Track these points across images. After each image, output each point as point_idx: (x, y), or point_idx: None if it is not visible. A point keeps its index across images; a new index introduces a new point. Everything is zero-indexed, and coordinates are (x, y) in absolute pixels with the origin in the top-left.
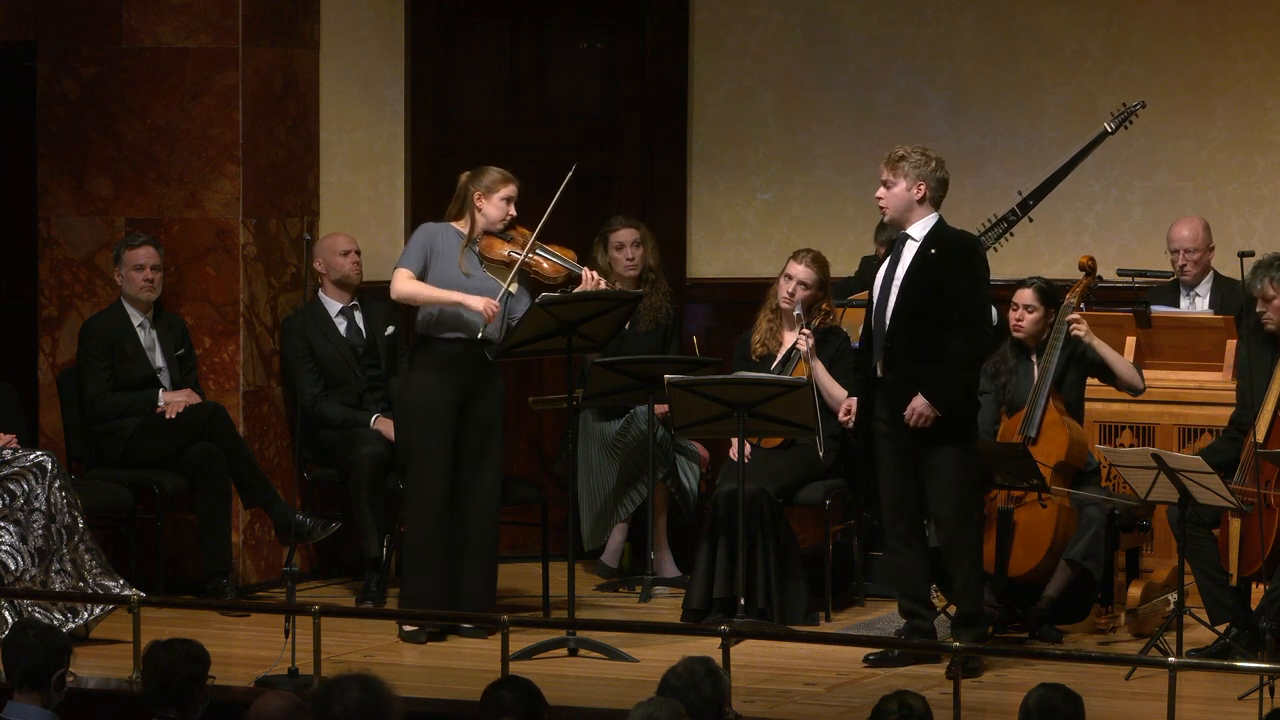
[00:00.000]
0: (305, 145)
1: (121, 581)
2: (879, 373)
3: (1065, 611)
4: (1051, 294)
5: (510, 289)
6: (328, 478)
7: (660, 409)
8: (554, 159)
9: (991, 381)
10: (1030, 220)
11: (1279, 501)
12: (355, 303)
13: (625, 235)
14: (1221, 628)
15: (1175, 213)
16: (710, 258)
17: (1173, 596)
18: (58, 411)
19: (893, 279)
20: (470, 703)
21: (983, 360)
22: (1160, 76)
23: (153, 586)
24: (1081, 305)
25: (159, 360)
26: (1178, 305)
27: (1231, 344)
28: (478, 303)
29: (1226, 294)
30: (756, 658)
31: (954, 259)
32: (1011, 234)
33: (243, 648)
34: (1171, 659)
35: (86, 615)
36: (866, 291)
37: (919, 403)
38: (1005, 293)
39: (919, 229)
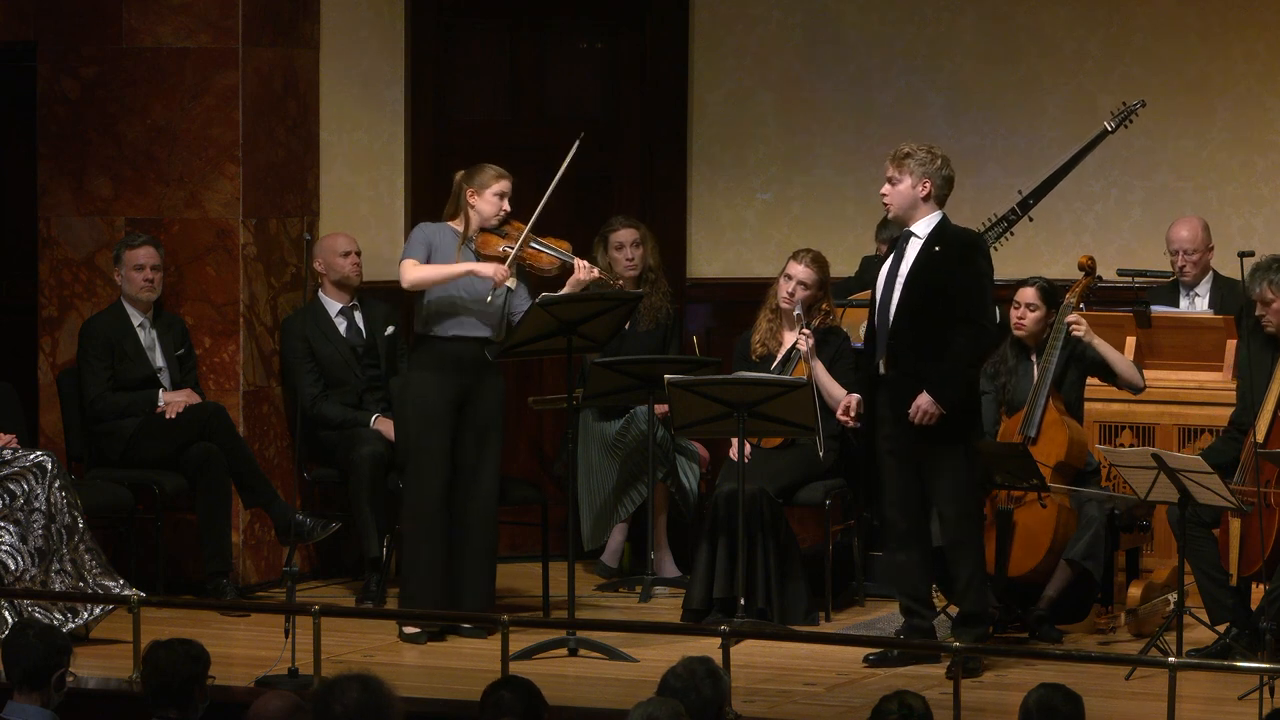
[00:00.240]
0: (305, 145)
1: (121, 581)
2: (882, 370)
3: (1065, 611)
4: (1053, 293)
5: (509, 284)
6: (328, 478)
7: (660, 409)
8: (554, 159)
9: (991, 381)
10: (1030, 220)
11: (1279, 501)
12: (355, 303)
13: (625, 235)
14: (1221, 628)
15: (1175, 213)
16: (710, 258)
17: (1173, 596)
18: (58, 411)
19: (896, 276)
20: (470, 703)
21: (986, 358)
22: (1160, 76)
23: (153, 586)
24: (1081, 305)
25: (159, 360)
26: (1177, 305)
27: (1231, 344)
28: (487, 269)
29: (1226, 294)
30: (756, 658)
31: (958, 256)
32: (1012, 233)
33: (243, 648)
34: (1171, 659)
35: (86, 615)
36: (868, 291)
37: (924, 400)
38: (1006, 293)
39: (923, 226)
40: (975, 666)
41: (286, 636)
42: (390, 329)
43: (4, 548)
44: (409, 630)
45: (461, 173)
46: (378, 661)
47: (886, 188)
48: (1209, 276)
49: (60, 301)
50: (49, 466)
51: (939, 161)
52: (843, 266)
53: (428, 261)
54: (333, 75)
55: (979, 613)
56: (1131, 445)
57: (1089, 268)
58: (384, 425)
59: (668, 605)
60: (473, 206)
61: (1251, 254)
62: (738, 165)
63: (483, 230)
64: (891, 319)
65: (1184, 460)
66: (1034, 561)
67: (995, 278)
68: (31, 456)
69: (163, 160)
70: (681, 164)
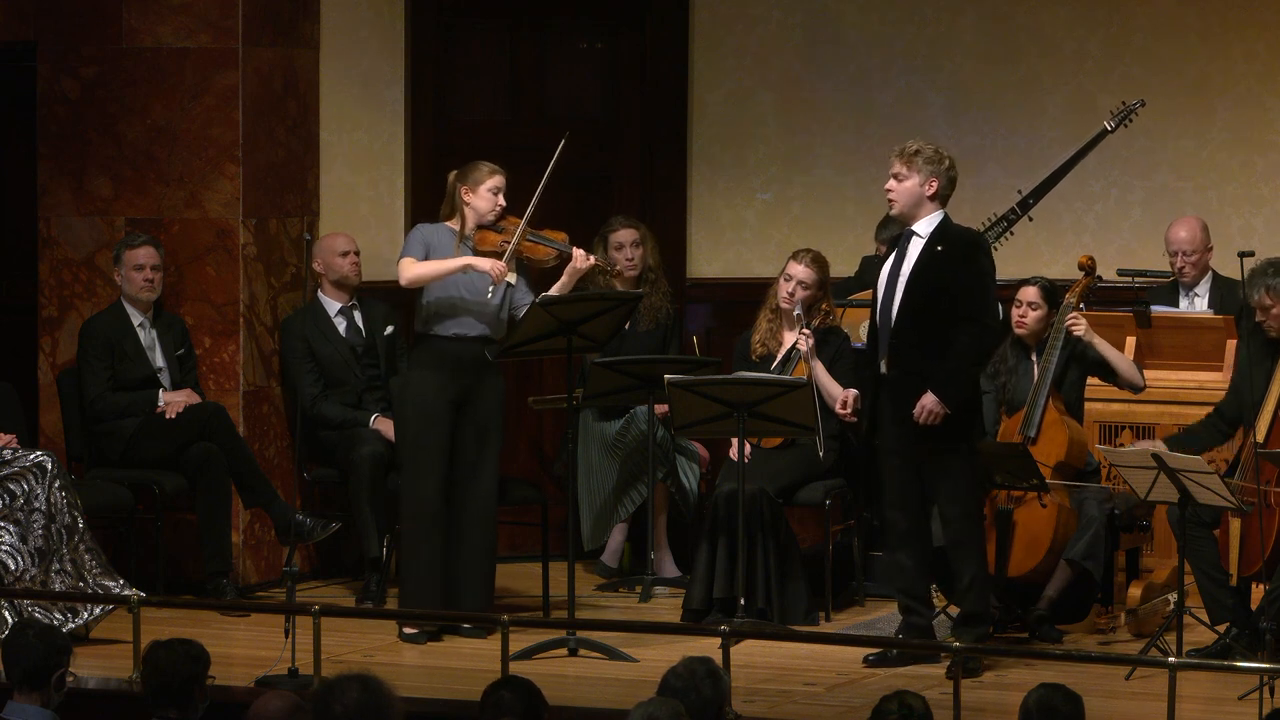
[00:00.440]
0: (305, 145)
1: (121, 581)
2: (883, 369)
3: (1065, 611)
4: (1055, 293)
5: (509, 279)
6: (328, 478)
7: (660, 409)
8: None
9: (991, 381)
10: (1030, 219)
11: (1279, 501)
12: (354, 303)
13: (625, 235)
14: (1221, 628)
15: (1175, 213)
16: (710, 258)
17: (1173, 596)
18: (58, 411)
19: (898, 276)
20: (470, 703)
21: (989, 356)
22: (1160, 76)
23: (153, 586)
24: (1081, 305)
25: (159, 360)
26: (1177, 305)
27: (1231, 344)
28: (484, 263)
29: (1226, 294)
30: (756, 658)
31: (960, 255)
32: (1012, 233)
33: (243, 648)
34: (1171, 659)
35: (86, 615)
36: (868, 291)
37: (928, 400)
38: (1007, 293)
39: (925, 225)
40: (975, 666)
41: (286, 636)
42: (390, 329)
43: (4, 548)
44: (408, 631)
45: (455, 173)
46: (378, 661)
47: (892, 183)
48: (1208, 277)
49: (60, 301)
50: (49, 466)
51: (946, 162)
52: (843, 266)
53: (426, 260)
54: (333, 75)
55: (980, 613)
56: (1132, 444)
57: (1089, 268)
58: (384, 425)
59: (668, 605)
60: (468, 204)
61: (1251, 254)
62: (738, 165)
63: (480, 227)
64: (894, 318)
65: (1184, 460)
66: (1034, 561)
67: (996, 278)
68: (31, 456)
69: (163, 160)
70: (681, 164)
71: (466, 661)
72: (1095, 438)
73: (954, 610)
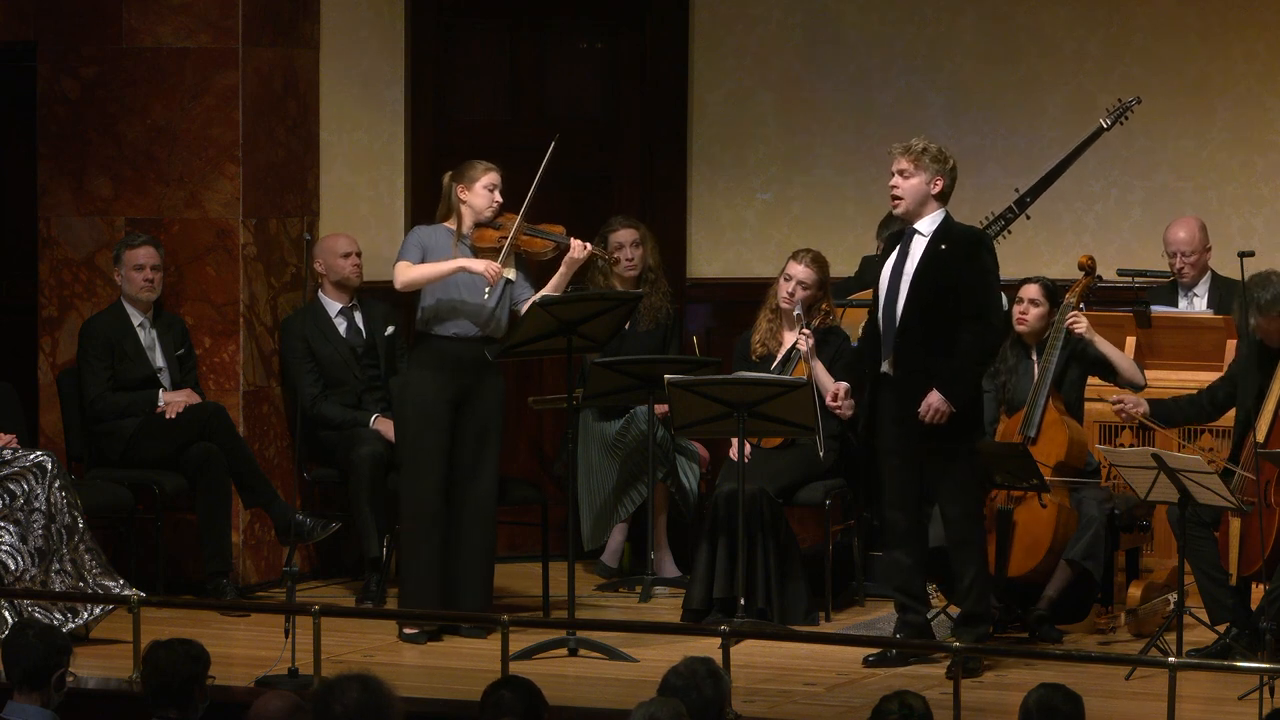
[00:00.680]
0: (305, 145)
1: (121, 581)
2: (887, 369)
3: (1065, 611)
4: (1056, 292)
5: (508, 275)
6: (328, 478)
7: (660, 409)
8: (554, 159)
9: (991, 381)
10: (1028, 218)
11: (1279, 501)
12: (355, 303)
13: (625, 235)
14: (1221, 628)
15: (1175, 212)
16: (710, 258)
17: (1173, 596)
18: (58, 411)
19: (901, 274)
20: (470, 703)
21: (995, 354)
22: (1160, 76)
23: (153, 586)
24: (1081, 305)
25: (159, 360)
26: (1176, 305)
27: (1231, 344)
28: (479, 264)
29: (1225, 294)
30: (756, 658)
31: (964, 254)
32: (1009, 232)
33: (243, 648)
34: (1171, 659)
35: (86, 615)
36: (868, 291)
37: (934, 398)
38: (1006, 293)
39: (927, 224)
40: (975, 666)
41: (286, 636)
42: (390, 329)
43: (4, 548)
44: (408, 631)
45: (450, 173)
46: (378, 661)
47: (897, 180)
48: (1207, 277)
49: (60, 301)
50: (49, 466)
51: (951, 162)
52: (843, 266)
53: (422, 263)
54: (333, 75)
55: (981, 613)
56: (1131, 445)
57: (1089, 267)
58: (384, 425)
59: (668, 605)
60: (465, 202)
61: (1251, 254)
62: (738, 165)
63: (477, 225)
64: (899, 317)
65: (1184, 460)
66: (1034, 561)
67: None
68: (31, 456)
69: (163, 160)
70: (681, 164)
71: (466, 661)
72: (1095, 438)
73: (954, 610)
